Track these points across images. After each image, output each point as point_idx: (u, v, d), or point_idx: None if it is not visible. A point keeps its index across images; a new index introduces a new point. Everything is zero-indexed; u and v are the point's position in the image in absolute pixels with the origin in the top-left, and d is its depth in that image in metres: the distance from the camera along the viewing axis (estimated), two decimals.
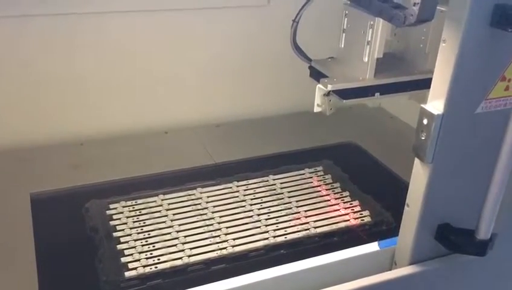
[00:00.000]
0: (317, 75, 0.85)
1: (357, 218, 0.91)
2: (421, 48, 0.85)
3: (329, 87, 0.80)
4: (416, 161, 0.64)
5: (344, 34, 0.85)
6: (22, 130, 1.08)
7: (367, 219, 0.91)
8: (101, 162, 1.04)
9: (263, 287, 0.67)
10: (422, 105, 0.61)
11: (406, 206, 0.68)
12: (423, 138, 0.61)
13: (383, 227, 0.90)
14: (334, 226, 0.89)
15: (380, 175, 1.07)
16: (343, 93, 0.81)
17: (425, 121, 0.61)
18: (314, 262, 0.70)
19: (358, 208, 0.94)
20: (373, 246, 0.71)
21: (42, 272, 0.76)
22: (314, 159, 1.08)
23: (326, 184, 1.01)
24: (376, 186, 1.00)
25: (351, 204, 0.95)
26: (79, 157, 1.06)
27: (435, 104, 0.60)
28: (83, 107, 1.11)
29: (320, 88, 0.82)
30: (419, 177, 0.64)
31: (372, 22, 0.78)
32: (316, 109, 0.84)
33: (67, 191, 0.96)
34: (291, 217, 0.91)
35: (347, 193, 0.98)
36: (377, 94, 0.83)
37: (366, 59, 0.81)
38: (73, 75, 1.08)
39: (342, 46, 0.86)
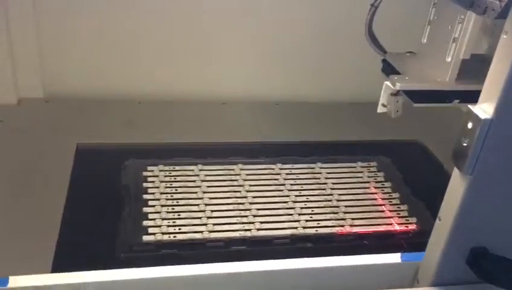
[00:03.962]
0: (389, 69, 0.76)
1: (401, 224, 0.84)
2: None
3: (398, 86, 0.71)
4: (455, 169, 0.55)
5: (429, 27, 0.74)
6: (84, 81, 1.10)
7: (411, 227, 0.83)
8: (153, 123, 1.04)
9: (268, 278, 0.62)
10: (470, 106, 0.52)
11: (437, 220, 0.59)
12: (465, 145, 0.52)
13: (427, 239, 0.81)
14: (372, 228, 0.82)
15: (441, 181, 0.96)
16: (415, 95, 0.71)
17: (469, 125, 0.52)
18: (331, 262, 0.64)
19: (405, 213, 0.86)
20: (395, 257, 0.63)
21: (65, 220, 0.77)
22: (370, 153, 1.00)
23: (376, 182, 0.93)
24: (432, 193, 0.88)
25: (398, 207, 0.87)
26: (133, 115, 1.06)
27: (485, 106, 0.51)
28: (146, 67, 1.11)
29: (387, 86, 0.73)
30: (455, 188, 0.55)
31: (462, 16, 0.67)
32: (380, 109, 0.75)
33: (112, 147, 0.96)
34: (328, 209, 0.85)
35: (397, 195, 0.90)
36: (456, 101, 0.72)
37: (449, 59, 0.70)
38: (138, 34, 1.08)
39: (425, 40, 0.75)
